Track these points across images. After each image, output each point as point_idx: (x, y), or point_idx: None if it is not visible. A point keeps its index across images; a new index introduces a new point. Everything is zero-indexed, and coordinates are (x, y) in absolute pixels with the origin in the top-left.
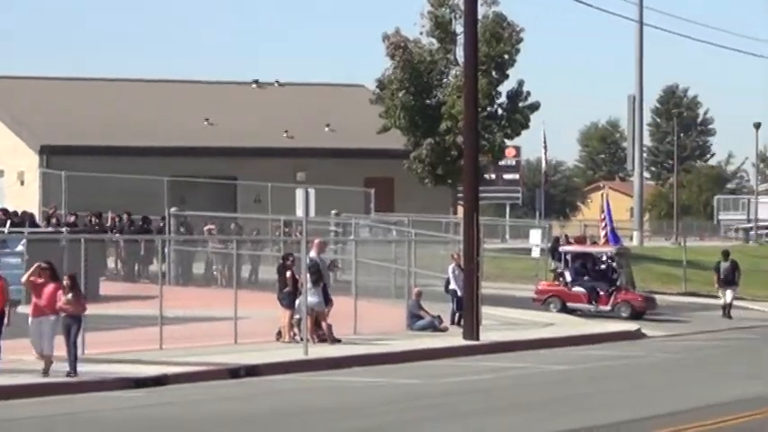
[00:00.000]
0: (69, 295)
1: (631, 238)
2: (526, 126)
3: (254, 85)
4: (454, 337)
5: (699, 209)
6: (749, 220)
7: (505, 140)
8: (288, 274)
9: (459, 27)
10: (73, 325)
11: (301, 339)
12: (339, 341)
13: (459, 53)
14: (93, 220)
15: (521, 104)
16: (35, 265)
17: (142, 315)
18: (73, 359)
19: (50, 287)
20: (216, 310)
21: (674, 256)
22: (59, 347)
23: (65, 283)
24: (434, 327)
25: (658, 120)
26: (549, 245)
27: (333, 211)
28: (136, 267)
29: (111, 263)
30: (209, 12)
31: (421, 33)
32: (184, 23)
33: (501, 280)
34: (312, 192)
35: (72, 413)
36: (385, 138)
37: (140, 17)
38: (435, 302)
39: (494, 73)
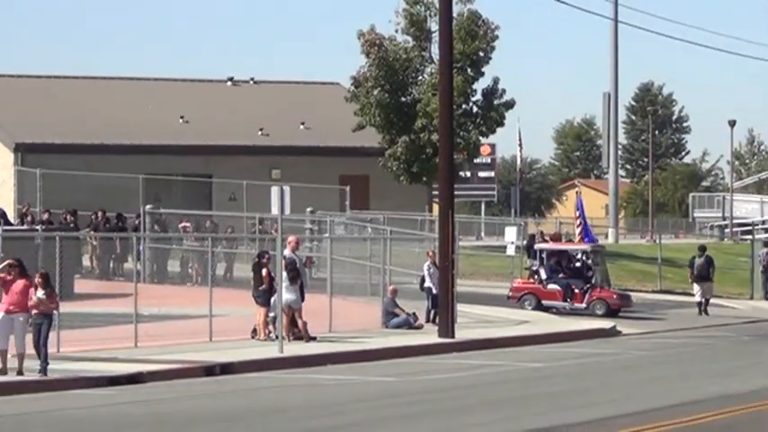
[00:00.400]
0: (41, 293)
1: (606, 236)
2: (501, 124)
3: (229, 83)
4: (429, 335)
5: (674, 206)
6: (724, 218)
7: (481, 138)
8: (264, 271)
9: (434, 25)
10: (43, 323)
11: (276, 337)
12: (314, 339)
13: (435, 51)
14: (68, 217)
15: (496, 102)
16: (5, 262)
17: (117, 313)
18: (44, 358)
19: (20, 284)
20: (191, 308)
21: (649, 254)
22: (30, 345)
23: (36, 281)
24: (410, 324)
25: (633, 117)
26: (525, 242)
27: (308, 209)
28: (111, 265)
29: (86, 261)
30: (185, 9)
31: (396, 31)
32: (159, 21)
33: (476, 277)
34: (287, 189)
35: (46, 411)
36: (360, 135)
37: (114, 15)
38: (411, 300)
39: (469, 71)
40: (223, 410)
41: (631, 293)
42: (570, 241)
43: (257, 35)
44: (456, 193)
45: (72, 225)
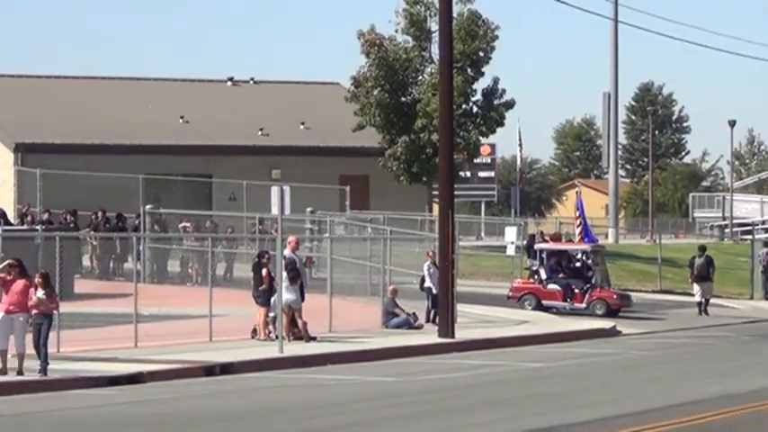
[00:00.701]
0: (41, 293)
1: (606, 236)
2: (501, 124)
3: (229, 83)
4: (429, 335)
5: (674, 206)
6: (724, 218)
7: (481, 138)
8: (264, 271)
9: (434, 25)
10: (43, 323)
11: (276, 337)
12: (314, 339)
13: (435, 51)
14: (68, 217)
15: (496, 102)
16: (5, 262)
17: (117, 313)
18: (44, 358)
19: (20, 284)
20: (191, 308)
21: (649, 254)
22: (30, 345)
23: (36, 281)
24: (410, 324)
25: (633, 117)
26: (525, 242)
27: (308, 209)
28: (111, 265)
29: (86, 261)
30: (185, 9)
31: (396, 31)
32: (159, 21)
33: (476, 277)
34: (287, 189)
35: (46, 411)
36: (360, 135)
37: (114, 15)
38: (411, 300)
39: (469, 71)
40: (223, 410)
41: (631, 293)
42: (570, 241)
43: (257, 35)
44: (456, 193)
45: (72, 225)
